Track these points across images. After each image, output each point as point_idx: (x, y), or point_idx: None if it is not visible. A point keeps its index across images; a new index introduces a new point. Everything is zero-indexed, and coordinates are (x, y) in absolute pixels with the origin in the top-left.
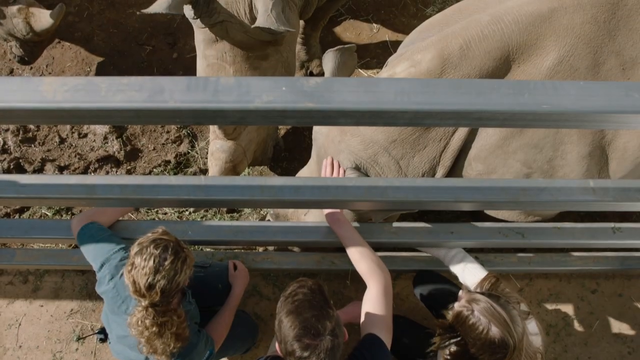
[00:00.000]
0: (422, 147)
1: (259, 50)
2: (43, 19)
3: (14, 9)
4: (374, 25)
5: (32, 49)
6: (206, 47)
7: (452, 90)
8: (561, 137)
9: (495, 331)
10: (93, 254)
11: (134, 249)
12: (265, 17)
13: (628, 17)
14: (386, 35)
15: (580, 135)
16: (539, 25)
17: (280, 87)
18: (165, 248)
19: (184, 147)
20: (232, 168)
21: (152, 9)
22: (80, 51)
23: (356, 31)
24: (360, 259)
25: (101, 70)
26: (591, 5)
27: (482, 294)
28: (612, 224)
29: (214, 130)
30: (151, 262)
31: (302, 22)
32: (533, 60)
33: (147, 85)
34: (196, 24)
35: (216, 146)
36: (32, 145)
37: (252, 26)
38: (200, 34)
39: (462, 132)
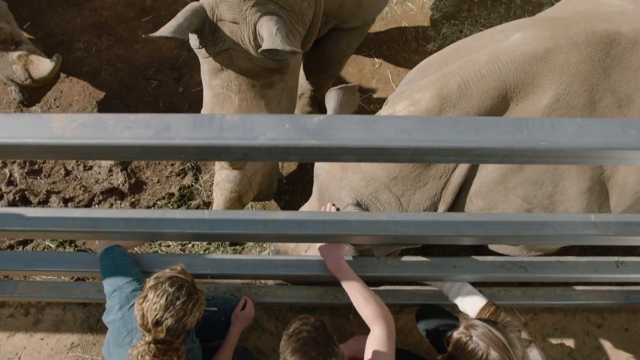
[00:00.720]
0: (423, 184)
1: (264, 79)
2: (41, 67)
3: (14, 55)
4: (376, 60)
5: (31, 93)
6: (212, 76)
7: (452, 127)
8: (560, 173)
9: (494, 355)
10: (109, 277)
11: (150, 282)
12: (271, 40)
13: (622, 56)
14: (388, 70)
15: (579, 171)
16: (535, 65)
17: (284, 124)
18: (180, 287)
19: (188, 180)
20: (238, 198)
21: (159, 33)
22: (87, 85)
23: (359, 66)
24: (365, 304)
25: (108, 104)
26: (585, 45)
27: (480, 319)
28: (615, 258)
29: (219, 161)
30: (163, 300)
31: (316, 65)
32: (530, 99)
33: (154, 122)
34: (201, 54)
35: (221, 176)
36: (38, 177)
37: (260, 49)
38: (206, 64)
39: (462, 169)
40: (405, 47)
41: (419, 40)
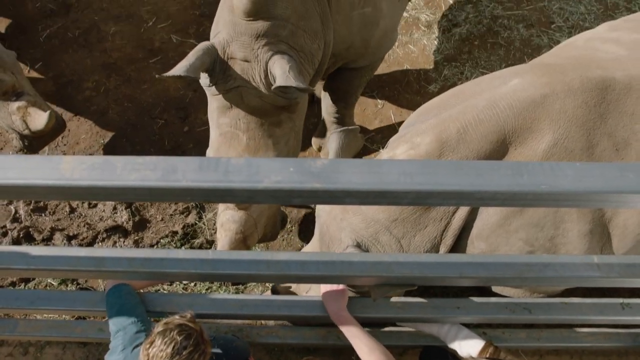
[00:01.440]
0: (423, 227)
1: (273, 117)
2: (37, 120)
3: (14, 106)
4: (379, 101)
5: (31, 142)
6: (220, 115)
7: (453, 171)
8: (561, 215)
9: None
10: (114, 317)
11: (159, 327)
12: (284, 77)
13: (617, 101)
14: (390, 110)
15: (579, 214)
16: (532, 110)
17: (288, 167)
18: (188, 336)
19: (191, 218)
20: (243, 240)
21: (171, 72)
22: (95, 124)
23: (362, 107)
24: (369, 353)
25: (114, 143)
26: (581, 91)
27: (482, 358)
28: (621, 300)
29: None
30: (170, 348)
31: (333, 101)
32: (529, 143)
33: (161, 165)
34: (210, 91)
35: (226, 217)
36: (43, 215)
37: (273, 87)
38: (215, 102)
39: (462, 212)
40: (408, 89)
41: (421, 82)
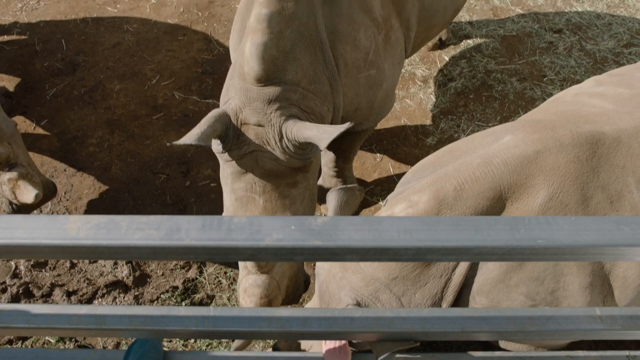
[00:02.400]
0: (424, 284)
1: (288, 178)
2: (26, 195)
3: (5, 177)
4: (378, 154)
5: (19, 209)
6: (234, 180)
7: (452, 227)
8: (561, 268)
9: None
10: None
11: None
12: (322, 134)
13: (608, 155)
14: (389, 163)
15: (579, 267)
16: (526, 166)
17: (289, 225)
18: None
19: (192, 273)
20: (268, 304)
21: (183, 140)
22: (97, 179)
23: (360, 160)
24: None
25: (116, 198)
26: (573, 146)
27: None
28: (627, 352)
29: (245, 266)
30: None
31: (333, 156)
32: (525, 199)
33: (165, 224)
34: (223, 158)
35: (249, 281)
36: (43, 270)
37: (321, 146)
38: (228, 167)
39: (462, 268)
40: (405, 142)
41: (419, 135)
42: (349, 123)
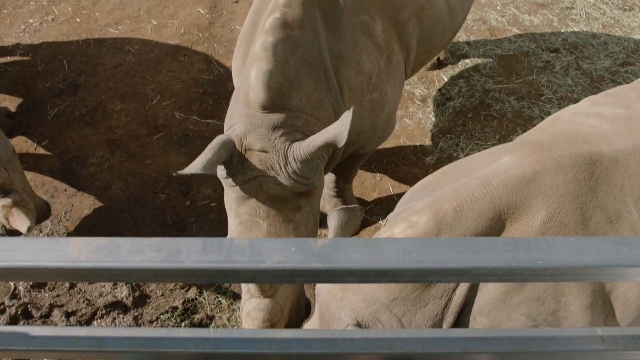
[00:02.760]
0: (424, 305)
1: (292, 203)
2: (18, 222)
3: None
4: (377, 174)
5: (12, 233)
6: (239, 205)
7: (452, 248)
8: (562, 289)
9: None
10: None
11: None
12: (336, 132)
13: (606, 175)
14: (389, 183)
15: (580, 287)
16: (525, 187)
17: (290, 248)
18: None
19: (192, 294)
20: (270, 328)
21: (188, 170)
22: (98, 199)
23: (360, 180)
24: None
25: (117, 218)
26: (571, 167)
27: None
28: None
29: (248, 290)
30: None
31: (333, 176)
32: (524, 219)
33: (166, 247)
34: (228, 183)
35: (252, 305)
36: (42, 291)
37: (340, 145)
38: (233, 193)
39: (463, 288)
40: (405, 161)
41: (418, 154)
42: (352, 108)
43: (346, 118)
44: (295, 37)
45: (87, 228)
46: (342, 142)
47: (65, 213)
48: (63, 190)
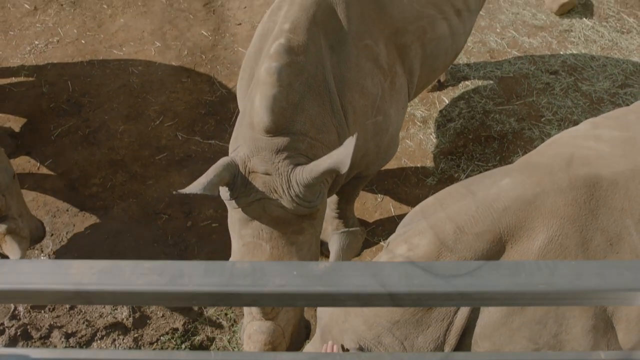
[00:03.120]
0: (426, 327)
1: (295, 225)
2: (11, 250)
3: None
4: (379, 195)
5: (3, 256)
6: (242, 226)
7: (453, 272)
8: (563, 311)
9: None
10: None
11: None
12: (341, 158)
13: (605, 197)
14: (390, 204)
15: (581, 310)
16: (525, 209)
17: (292, 271)
18: None
19: (192, 315)
20: (271, 351)
21: (189, 190)
22: (100, 219)
23: (362, 200)
24: None
25: (118, 238)
26: (570, 189)
27: None
28: None
29: (250, 312)
30: None
31: (335, 197)
32: (524, 241)
33: (168, 270)
34: (231, 205)
35: (253, 328)
36: (42, 312)
37: (343, 172)
38: (236, 214)
39: (464, 311)
40: (406, 182)
41: (419, 175)
42: (356, 134)
43: (349, 145)
44: (299, 62)
45: (88, 248)
46: (344, 169)
47: (67, 233)
48: (65, 210)
